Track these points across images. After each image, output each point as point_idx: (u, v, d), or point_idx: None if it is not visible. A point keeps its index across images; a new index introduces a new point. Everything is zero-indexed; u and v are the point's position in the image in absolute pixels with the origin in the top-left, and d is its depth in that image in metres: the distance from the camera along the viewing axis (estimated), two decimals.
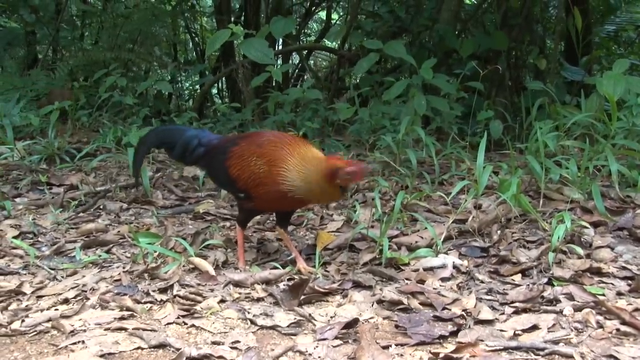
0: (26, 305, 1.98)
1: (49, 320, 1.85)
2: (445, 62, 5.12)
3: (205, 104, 7.34)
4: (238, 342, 1.68)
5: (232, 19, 7.37)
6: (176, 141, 2.37)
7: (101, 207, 3.04)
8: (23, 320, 1.86)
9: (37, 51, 8.08)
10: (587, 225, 2.34)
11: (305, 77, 8.03)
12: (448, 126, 4.05)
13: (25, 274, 2.26)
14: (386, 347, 1.63)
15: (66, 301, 2.00)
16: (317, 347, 1.64)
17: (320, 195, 2.16)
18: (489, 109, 4.07)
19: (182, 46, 9.15)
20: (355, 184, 2.20)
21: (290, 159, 2.12)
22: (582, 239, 2.29)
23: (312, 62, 9.15)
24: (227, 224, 2.78)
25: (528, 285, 1.98)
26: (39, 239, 2.65)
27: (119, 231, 2.67)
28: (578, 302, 1.83)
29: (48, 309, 1.95)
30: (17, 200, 3.16)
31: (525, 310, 1.82)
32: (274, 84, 5.74)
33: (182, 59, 8.88)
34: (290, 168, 2.10)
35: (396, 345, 1.65)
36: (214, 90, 8.61)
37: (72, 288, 2.09)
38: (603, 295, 1.90)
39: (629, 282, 2.00)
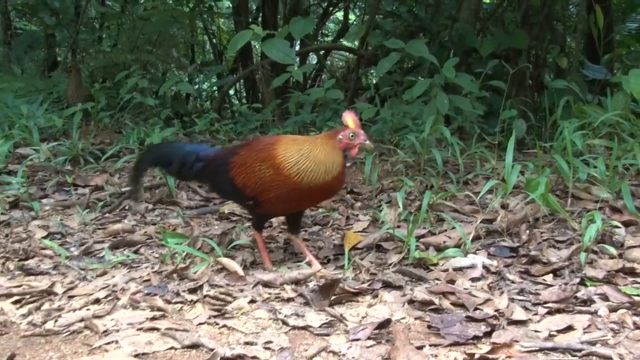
0: (58, 306, 1.99)
1: (82, 320, 1.86)
2: (465, 61, 5.10)
3: (223, 104, 7.38)
4: (271, 342, 1.68)
5: (250, 19, 7.38)
6: (173, 158, 2.35)
7: (127, 207, 3.06)
8: (56, 320, 1.88)
9: (57, 53, 8.15)
10: (619, 224, 2.32)
11: (323, 77, 8.04)
12: (470, 125, 4.03)
13: (55, 274, 2.28)
14: (420, 348, 1.62)
15: (97, 301, 2.01)
16: (350, 347, 1.63)
17: (325, 174, 2.09)
18: (512, 107, 4.04)
19: (199, 47, 9.19)
20: (360, 147, 2.15)
21: (288, 149, 2.13)
22: (613, 239, 2.26)
23: (328, 62, 9.14)
24: None
25: (560, 285, 1.96)
26: (67, 239, 2.67)
27: (145, 232, 2.68)
28: (613, 302, 1.81)
29: (80, 309, 1.96)
30: (44, 201, 3.18)
31: (558, 311, 1.80)
32: (291, 85, 5.76)
33: (200, 60, 8.92)
34: (290, 157, 2.10)
35: (430, 345, 1.64)
36: (231, 91, 8.65)
37: (103, 288, 2.10)
38: (638, 295, 1.87)
39: None
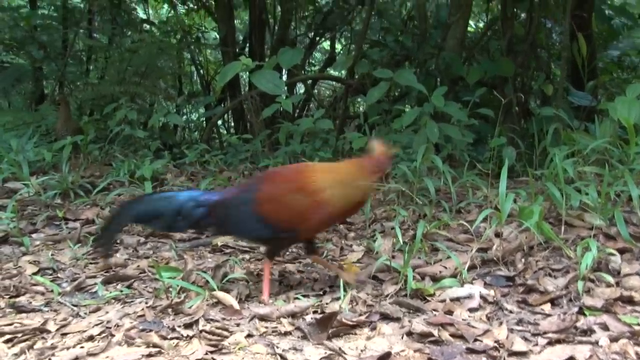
0: (52, 344, 1.95)
1: (76, 358, 1.82)
2: (452, 89, 5.15)
3: (211, 135, 7.38)
4: None
5: (237, 50, 7.43)
6: (162, 212, 2.26)
7: (119, 241, 3.03)
8: (49, 359, 1.84)
9: (45, 86, 8.14)
10: (614, 252, 2.32)
11: (311, 106, 8.08)
12: (460, 153, 4.05)
13: (48, 311, 2.24)
14: None
15: (91, 338, 1.97)
16: None
17: (355, 195, 2.23)
18: (501, 135, 4.07)
19: (187, 78, 9.21)
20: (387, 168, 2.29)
21: (318, 177, 2.19)
22: (609, 267, 2.26)
23: (316, 91, 9.20)
24: (247, 256, 2.77)
25: (559, 315, 1.95)
26: (59, 274, 2.63)
27: (138, 265, 2.65)
28: (613, 332, 1.80)
29: (74, 346, 1.92)
30: (34, 235, 3.15)
31: (559, 341, 1.79)
32: (280, 114, 5.78)
33: (187, 91, 8.94)
34: (322, 184, 2.17)
35: None
36: (219, 122, 8.66)
37: (97, 325, 2.06)
38: (638, 325, 1.86)
39: None
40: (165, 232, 3.09)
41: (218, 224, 2.31)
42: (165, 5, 8.94)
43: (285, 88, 6.57)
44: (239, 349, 1.84)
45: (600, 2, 5.18)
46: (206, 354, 1.81)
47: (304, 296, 2.24)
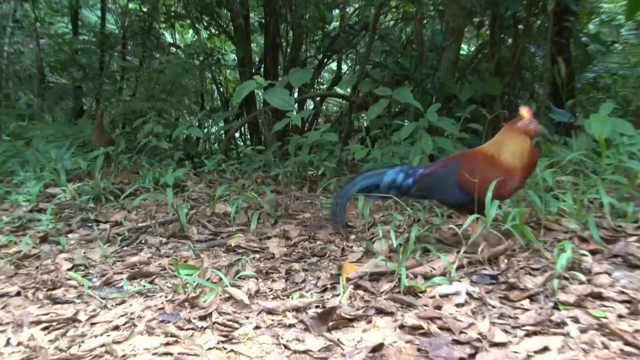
0: (82, 332, 1.97)
1: (103, 345, 1.83)
2: (446, 105, 5.14)
3: (229, 146, 7.40)
4: None
5: (253, 70, 7.46)
6: (378, 184, 2.64)
7: (143, 241, 3.04)
8: (80, 346, 1.85)
9: (83, 103, 8.23)
10: (586, 253, 2.31)
11: (319, 120, 8.09)
12: None
13: (79, 303, 2.25)
14: None
15: (117, 328, 1.98)
16: None
17: (522, 155, 2.50)
18: None
19: (208, 95, 9.27)
20: (536, 130, 2.51)
21: (492, 150, 2.54)
22: (582, 266, 2.25)
23: (324, 107, 9.22)
24: (257, 255, 2.76)
25: (536, 309, 1.94)
26: (90, 270, 2.65)
27: (159, 263, 2.66)
28: (583, 324, 1.79)
29: (101, 335, 1.93)
30: (70, 235, 3.16)
31: (535, 333, 1.78)
32: (290, 128, 5.78)
33: (209, 106, 8.98)
34: (497, 154, 2.51)
35: None
36: (237, 134, 8.69)
37: (122, 316, 2.07)
38: (605, 318, 1.85)
39: (627, 305, 1.95)
40: (183, 234, 3.11)
41: (422, 191, 2.65)
42: (190, 31, 9.01)
43: (296, 104, 6.60)
44: (247, 339, 1.84)
45: (577, 30, 5.17)
46: (218, 343, 1.81)
47: (307, 292, 2.24)
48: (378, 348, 1.71)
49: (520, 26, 5.11)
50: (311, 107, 7.92)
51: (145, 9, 8.15)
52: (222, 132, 7.81)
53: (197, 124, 7.42)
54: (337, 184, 4.05)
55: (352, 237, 2.96)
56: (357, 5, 7.80)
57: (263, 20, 7.66)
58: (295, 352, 1.74)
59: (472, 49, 7.42)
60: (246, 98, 7.28)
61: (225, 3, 7.30)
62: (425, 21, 6.47)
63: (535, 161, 2.57)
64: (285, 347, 1.77)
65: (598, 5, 7.29)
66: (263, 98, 5.71)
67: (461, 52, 6.29)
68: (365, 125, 6.38)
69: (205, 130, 7.67)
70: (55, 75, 9.20)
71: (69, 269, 2.63)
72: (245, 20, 7.24)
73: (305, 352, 1.74)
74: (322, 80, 9.34)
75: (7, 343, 1.91)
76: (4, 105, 8.03)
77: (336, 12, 7.90)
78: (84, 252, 2.84)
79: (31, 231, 3.20)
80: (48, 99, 8.30)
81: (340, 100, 8.61)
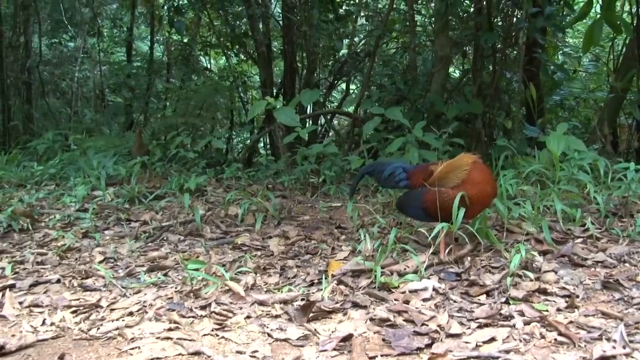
0: (102, 316, 1.97)
1: (117, 328, 1.83)
2: (435, 122, 5.07)
3: (254, 155, 7.39)
4: (257, 351, 1.63)
5: (274, 90, 7.45)
6: (381, 170, 2.63)
7: (165, 238, 3.03)
8: (98, 328, 1.86)
9: (133, 118, 8.35)
10: (536, 254, 2.25)
11: (330, 134, 8.04)
12: None
13: (104, 291, 2.26)
14: (373, 358, 1.56)
15: (131, 314, 1.98)
16: (318, 357, 1.58)
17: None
18: None
19: (236, 112, 9.29)
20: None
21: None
22: (533, 265, 2.19)
23: (337, 122, 9.19)
24: (259, 252, 2.74)
25: (490, 304, 1.89)
26: (117, 263, 2.65)
27: (175, 258, 2.64)
28: (527, 317, 1.74)
29: (117, 319, 1.93)
30: (106, 232, 3.18)
31: (486, 325, 1.74)
32: (301, 141, 5.74)
33: (238, 121, 9.01)
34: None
35: (381, 356, 1.58)
36: (261, 144, 8.69)
37: (136, 303, 2.07)
38: (546, 311, 1.80)
39: (567, 299, 1.90)
40: (199, 232, 3.09)
41: (399, 207, 2.65)
42: (222, 57, 9.07)
43: (309, 120, 6.58)
44: (237, 327, 1.82)
45: (545, 60, 5.15)
46: (212, 330, 1.80)
47: (296, 286, 2.21)
48: (348, 338, 1.68)
49: (498, 55, 5.06)
50: (323, 122, 7.89)
51: (185, 40, 8.30)
52: (246, 142, 7.81)
53: (225, 136, 7.43)
54: (336, 189, 4.02)
55: (343, 237, 2.91)
56: (362, 36, 7.79)
57: (282, 48, 7.67)
58: (276, 340, 1.72)
59: (458, 74, 7.33)
60: (268, 114, 7.31)
61: (251, 34, 7.32)
62: (419, 49, 6.42)
63: (487, 175, 2.42)
64: (269, 335, 1.75)
65: (565, 40, 7.32)
66: None
67: (449, 76, 6.22)
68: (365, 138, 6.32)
69: (233, 140, 7.67)
70: (113, 95, 9.41)
71: (100, 262, 2.63)
72: (268, 48, 7.25)
73: (285, 340, 1.71)
74: (332, 99, 9.29)
75: (43, 322, 1.93)
76: (73, 120, 8.26)
77: (345, 41, 7.87)
78: (115, 247, 2.85)
79: (75, 227, 3.23)
80: (106, 115, 8.51)
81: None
